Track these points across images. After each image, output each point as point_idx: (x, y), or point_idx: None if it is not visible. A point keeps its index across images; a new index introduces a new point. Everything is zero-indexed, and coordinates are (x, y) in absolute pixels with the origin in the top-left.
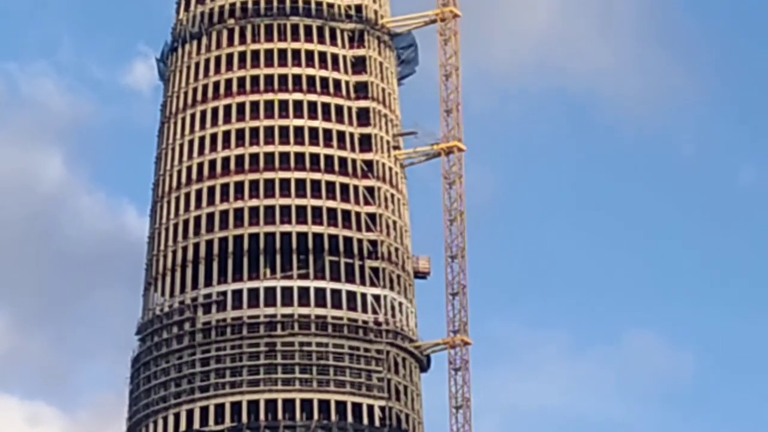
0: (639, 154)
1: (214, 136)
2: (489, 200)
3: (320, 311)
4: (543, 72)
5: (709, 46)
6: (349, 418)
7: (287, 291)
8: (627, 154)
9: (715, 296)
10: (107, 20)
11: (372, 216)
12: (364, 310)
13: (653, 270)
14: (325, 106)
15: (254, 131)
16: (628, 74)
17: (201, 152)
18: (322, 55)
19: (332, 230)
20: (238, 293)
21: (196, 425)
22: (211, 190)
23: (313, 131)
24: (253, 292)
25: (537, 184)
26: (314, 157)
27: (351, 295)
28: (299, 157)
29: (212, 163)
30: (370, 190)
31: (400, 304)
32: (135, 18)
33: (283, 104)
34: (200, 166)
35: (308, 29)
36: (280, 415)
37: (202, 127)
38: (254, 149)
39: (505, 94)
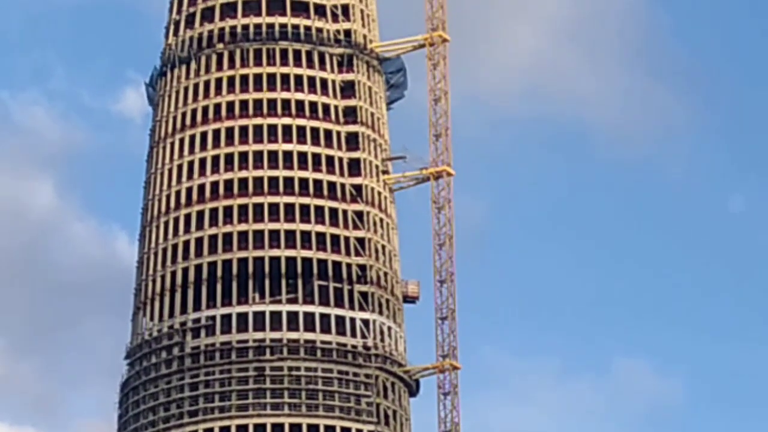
0: (628, 181)
1: (203, 161)
2: (478, 225)
3: (309, 336)
4: (532, 99)
5: (697, 73)
6: None
7: (276, 315)
8: (616, 181)
9: (704, 323)
10: (98, 48)
11: (361, 240)
12: (353, 335)
13: (642, 297)
14: (314, 131)
15: (243, 156)
16: (616, 102)
17: (190, 177)
18: (311, 80)
19: (321, 255)
20: (227, 318)
21: None
22: (200, 214)
23: (302, 156)
24: (242, 317)
25: (526, 211)
26: (303, 182)
27: (340, 319)
28: (288, 181)
29: (201, 187)
30: (359, 214)
31: (389, 328)
32: (126, 45)
33: (272, 129)
34: (189, 190)
35: (297, 54)
36: None
37: (191, 151)
38: (243, 174)
39: (494, 121)
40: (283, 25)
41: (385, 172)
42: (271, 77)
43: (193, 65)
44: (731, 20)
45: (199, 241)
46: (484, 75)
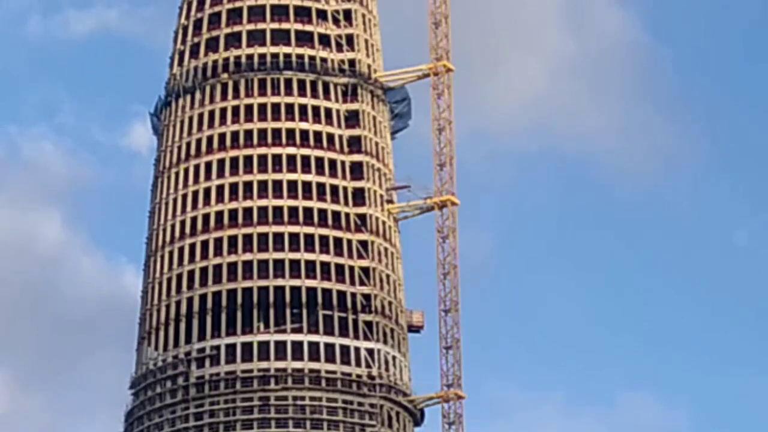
0: (632, 215)
1: (207, 191)
2: (483, 255)
3: (314, 365)
4: (536, 132)
5: (700, 108)
6: None
7: (281, 345)
8: (620, 215)
9: (708, 356)
10: (105, 82)
11: (365, 270)
12: (358, 364)
13: (646, 330)
14: (319, 160)
15: (248, 185)
16: (621, 136)
17: (195, 206)
18: (316, 110)
19: (326, 284)
20: (231, 347)
21: None
22: (205, 244)
23: (307, 185)
24: (247, 347)
25: (530, 242)
26: (308, 211)
27: (344, 349)
28: (293, 211)
29: (206, 217)
30: (364, 244)
31: (394, 357)
32: (133, 79)
33: (277, 158)
34: (194, 220)
35: (302, 83)
36: None
37: (196, 181)
38: (248, 203)
39: (498, 153)
40: (287, 55)
41: (389, 202)
42: (276, 107)
43: (197, 95)
44: (734, 55)
45: (203, 271)
46: (488, 106)
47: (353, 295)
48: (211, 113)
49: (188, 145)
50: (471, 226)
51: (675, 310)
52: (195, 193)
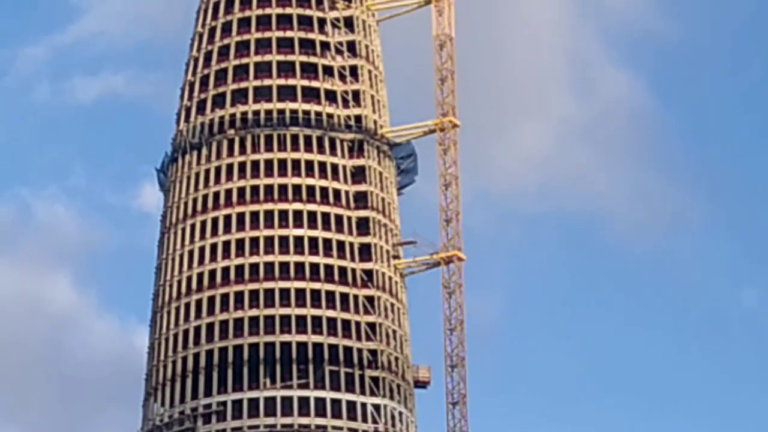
0: (639, 275)
1: (214, 246)
2: (489, 311)
3: (320, 421)
4: (543, 194)
5: (706, 170)
6: None
7: (287, 401)
8: (627, 275)
9: (717, 417)
10: (115, 145)
11: (372, 325)
12: (365, 420)
13: (654, 390)
14: (325, 216)
15: (254, 241)
16: (627, 198)
17: (201, 262)
18: (322, 165)
19: (332, 340)
20: (238, 403)
21: None
22: (211, 300)
23: (313, 241)
24: (254, 402)
25: (537, 301)
26: (314, 267)
27: (351, 404)
28: (299, 266)
29: (212, 273)
30: (370, 299)
31: (401, 413)
32: (142, 141)
33: (283, 214)
34: (200, 276)
35: (308, 139)
36: None
37: (202, 237)
38: (254, 259)
39: (504, 214)
40: (294, 111)
41: (396, 257)
42: (282, 163)
43: (204, 151)
44: (737, 119)
45: (210, 327)
46: (494, 168)
47: (360, 350)
48: (218, 169)
49: (195, 201)
50: (477, 284)
51: (684, 371)
52: (201, 249)
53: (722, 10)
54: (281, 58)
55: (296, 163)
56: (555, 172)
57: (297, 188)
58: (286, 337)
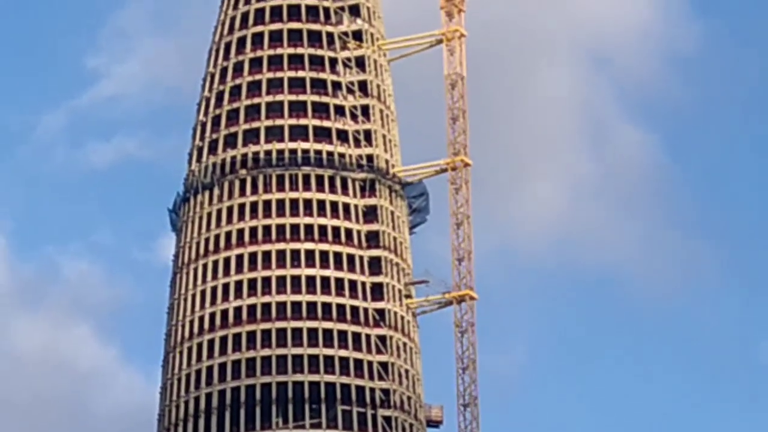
0: (654, 329)
1: (226, 286)
2: (502, 351)
3: None
4: (556, 249)
5: (719, 224)
6: None
7: None
8: (641, 329)
9: None
10: (135, 201)
11: (384, 365)
12: None
13: None
14: (337, 256)
15: (266, 281)
16: (640, 253)
17: (213, 302)
18: (334, 205)
19: (344, 379)
20: None
21: None
22: (224, 339)
23: (325, 280)
24: None
25: (552, 348)
26: (326, 307)
27: None
28: (311, 306)
29: (224, 312)
30: (382, 338)
31: None
32: (169, 194)
33: (295, 254)
34: (212, 315)
35: (320, 179)
36: None
37: (215, 277)
38: (266, 299)
39: (517, 269)
40: (305, 151)
41: (408, 297)
42: (294, 203)
43: (216, 191)
44: (749, 174)
45: (222, 367)
46: (507, 216)
47: (372, 390)
48: (230, 209)
49: (207, 240)
50: (490, 325)
51: (699, 425)
52: (214, 289)
53: (732, 73)
54: (293, 97)
55: (308, 203)
56: (568, 227)
57: (309, 228)
58: (298, 377)
